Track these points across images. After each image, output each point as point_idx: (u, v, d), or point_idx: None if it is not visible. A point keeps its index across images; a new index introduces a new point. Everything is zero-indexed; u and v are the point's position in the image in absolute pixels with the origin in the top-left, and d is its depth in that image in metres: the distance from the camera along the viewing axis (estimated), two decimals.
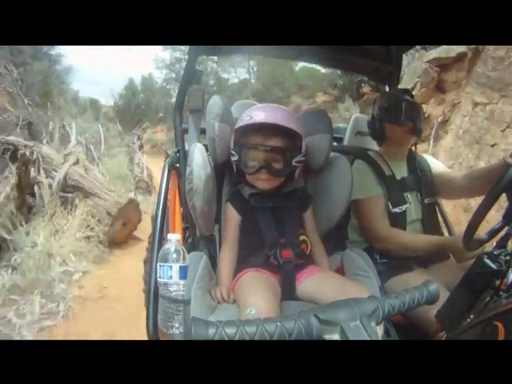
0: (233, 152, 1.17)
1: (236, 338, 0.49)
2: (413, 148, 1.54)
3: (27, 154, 3.57)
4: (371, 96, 10.01)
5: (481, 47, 3.86)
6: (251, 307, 0.88)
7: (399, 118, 1.39)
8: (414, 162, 1.51)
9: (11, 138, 3.98)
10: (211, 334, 0.49)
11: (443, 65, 4.97)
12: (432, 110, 4.93)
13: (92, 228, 3.56)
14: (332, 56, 1.67)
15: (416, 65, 5.31)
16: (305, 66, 14.68)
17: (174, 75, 16.56)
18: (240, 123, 1.16)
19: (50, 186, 3.58)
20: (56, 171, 3.73)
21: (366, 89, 10.37)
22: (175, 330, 0.96)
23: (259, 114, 1.13)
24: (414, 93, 1.76)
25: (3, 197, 3.23)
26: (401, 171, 1.47)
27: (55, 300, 2.61)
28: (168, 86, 17.18)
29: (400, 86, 1.74)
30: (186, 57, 1.52)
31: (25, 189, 3.43)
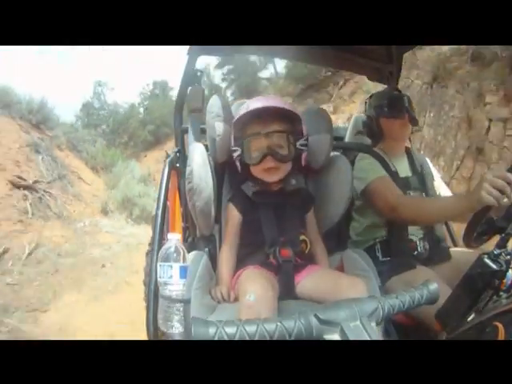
0: (235, 148, 1.16)
1: (236, 338, 0.49)
2: (408, 144, 1.58)
3: None
4: None
5: None
6: (251, 293, 0.89)
7: (398, 111, 1.45)
8: (413, 160, 1.52)
9: None
10: (211, 333, 0.48)
11: None
12: None
13: None
14: (332, 56, 1.68)
15: None
16: None
17: None
18: (236, 116, 1.16)
19: None
20: None
21: None
22: (175, 330, 0.96)
23: (254, 103, 1.14)
24: None
25: None
26: (403, 169, 1.48)
27: None
28: None
29: None
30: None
31: None
